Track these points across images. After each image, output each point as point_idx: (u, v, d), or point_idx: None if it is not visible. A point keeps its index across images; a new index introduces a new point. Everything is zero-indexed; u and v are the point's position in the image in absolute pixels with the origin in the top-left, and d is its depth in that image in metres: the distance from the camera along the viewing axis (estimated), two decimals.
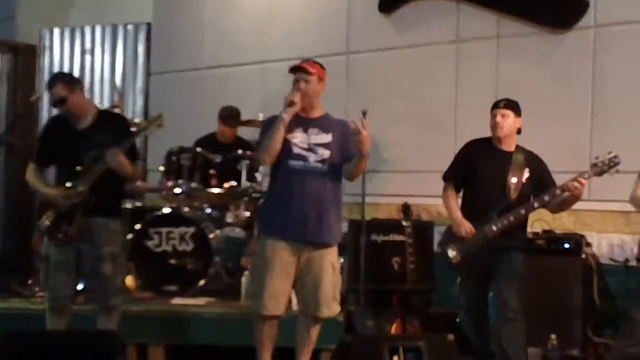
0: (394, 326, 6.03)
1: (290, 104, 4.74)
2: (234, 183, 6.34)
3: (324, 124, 4.90)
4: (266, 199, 5.26)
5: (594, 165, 5.04)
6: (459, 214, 5.29)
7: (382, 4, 7.49)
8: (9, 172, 8.91)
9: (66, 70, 9.14)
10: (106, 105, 8.27)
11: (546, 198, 5.10)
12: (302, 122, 4.86)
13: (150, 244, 6.42)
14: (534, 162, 5.27)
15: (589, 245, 6.06)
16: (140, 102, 9.22)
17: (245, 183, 6.31)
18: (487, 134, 5.34)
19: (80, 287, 5.75)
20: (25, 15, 9.69)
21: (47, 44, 9.62)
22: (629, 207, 5.21)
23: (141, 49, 9.30)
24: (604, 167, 5.01)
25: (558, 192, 5.09)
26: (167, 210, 6.53)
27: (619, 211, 5.99)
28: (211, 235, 6.42)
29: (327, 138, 4.85)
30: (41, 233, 5.19)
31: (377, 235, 6.31)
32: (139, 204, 7.12)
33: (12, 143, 8.24)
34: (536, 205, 5.15)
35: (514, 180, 5.19)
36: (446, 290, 6.57)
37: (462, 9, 7.03)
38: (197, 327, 5.82)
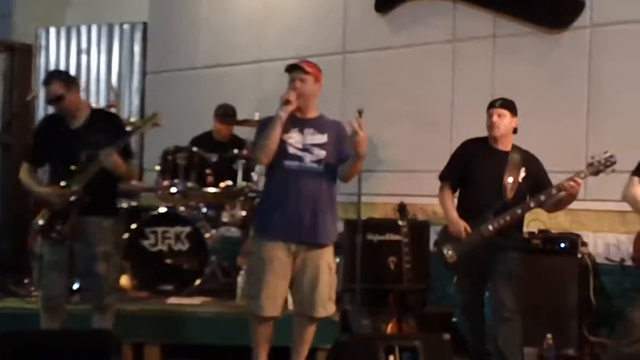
0: (390, 325, 6.03)
1: (286, 102, 4.73)
2: (229, 182, 6.36)
3: (319, 124, 4.90)
4: (261, 199, 5.26)
5: (590, 165, 5.05)
6: (454, 214, 5.29)
7: (378, 3, 7.49)
8: (5, 171, 8.89)
9: (62, 69, 9.11)
10: (102, 104, 8.27)
11: (542, 197, 5.11)
12: (297, 122, 4.85)
13: (145, 243, 6.41)
14: (530, 162, 5.27)
15: (584, 244, 6.07)
16: (136, 101, 9.21)
17: (241, 182, 6.32)
18: (483, 133, 5.34)
19: (75, 286, 5.75)
20: (21, 14, 9.67)
21: (43, 43, 9.60)
22: (625, 207, 5.20)
23: (137, 48, 9.28)
24: (600, 167, 5.02)
25: (554, 191, 5.09)
26: (162, 210, 6.52)
27: (615, 210, 5.99)
28: (207, 235, 6.42)
29: (323, 138, 4.85)
30: (35, 232, 5.18)
31: (373, 235, 6.32)
32: (134, 203, 7.12)
33: (8, 142, 8.23)
34: (532, 204, 5.16)
35: (510, 179, 5.19)
36: (442, 289, 6.58)
37: (458, 8, 7.03)
38: (193, 326, 5.82)
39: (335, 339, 5.18)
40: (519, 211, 5.15)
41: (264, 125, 4.87)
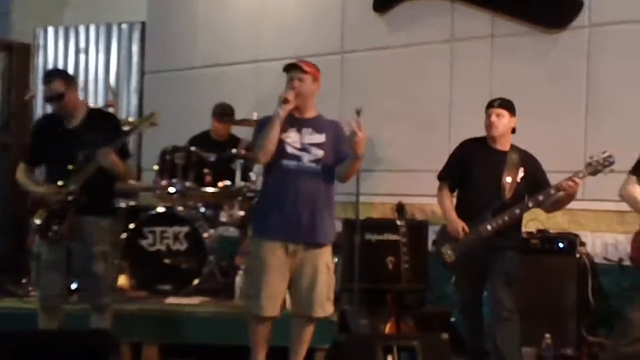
0: (388, 325, 6.03)
1: (285, 101, 4.73)
2: (228, 182, 6.35)
3: (317, 124, 4.90)
4: (259, 198, 5.25)
5: (588, 165, 5.05)
6: (453, 214, 5.29)
7: (377, 3, 7.49)
8: (3, 171, 8.83)
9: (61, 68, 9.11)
10: (100, 104, 8.26)
11: (540, 197, 5.11)
12: (295, 122, 4.85)
13: (144, 243, 6.40)
14: (529, 162, 5.27)
15: (582, 244, 6.07)
16: (134, 101, 9.20)
17: (239, 182, 6.31)
18: (482, 133, 5.34)
19: (73, 286, 5.74)
20: (20, 13, 9.66)
21: (41, 42, 9.60)
22: (623, 207, 5.21)
23: (135, 48, 9.28)
24: (598, 167, 5.02)
25: (552, 191, 5.09)
26: (160, 209, 6.51)
27: (613, 210, 6.00)
28: (205, 234, 6.41)
29: (321, 138, 4.84)
30: (32, 232, 5.18)
31: (371, 235, 6.30)
32: (132, 203, 7.12)
33: (6, 142, 8.21)
34: (530, 204, 5.16)
35: (509, 179, 5.19)
36: (440, 289, 6.58)
37: (457, 8, 7.03)
38: (191, 326, 5.81)
39: (333, 339, 5.17)
40: (517, 211, 5.15)
41: (262, 125, 4.86)
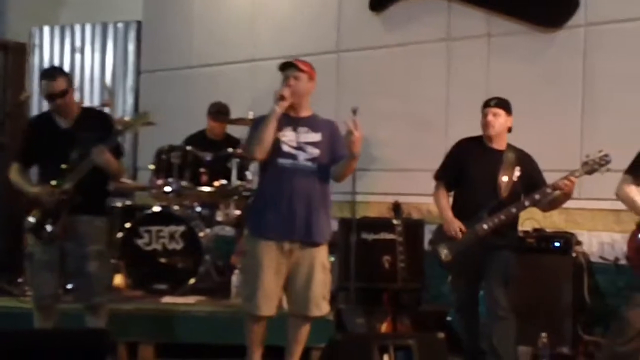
0: (384, 324, 6.03)
1: (281, 97, 4.72)
2: (223, 181, 6.35)
3: (313, 123, 4.90)
4: (255, 197, 5.25)
5: (585, 164, 5.05)
6: (449, 213, 5.29)
7: (373, 2, 7.49)
8: None
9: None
10: (96, 103, 8.24)
11: (537, 196, 5.11)
12: (291, 120, 4.85)
13: (140, 242, 6.40)
14: (525, 161, 5.27)
15: (579, 243, 6.08)
16: (130, 100, 9.19)
17: (235, 181, 6.31)
18: (478, 132, 5.34)
19: (69, 285, 5.73)
20: (15, 12, 9.63)
21: (37, 41, 9.58)
22: (619, 206, 5.20)
23: (131, 47, 9.26)
24: (595, 166, 5.02)
25: (548, 190, 5.10)
26: (156, 209, 6.51)
27: (609, 209, 6.00)
28: (201, 234, 6.41)
29: (316, 137, 4.84)
30: (26, 231, 5.16)
31: (368, 234, 6.31)
32: (128, 202, 7.11)
33: (1, 142, 8.19)
34: (527, 203, 5.16)
35: (505, 178, 5.19)
36: (436, 288, 6.58)
37: (453, 7, 7.03)
38: (187, 325, 5.81)
39: (329, 338, 5.16)
40: (513, 210, 5.15)
41: (257, 124, 4.86)
